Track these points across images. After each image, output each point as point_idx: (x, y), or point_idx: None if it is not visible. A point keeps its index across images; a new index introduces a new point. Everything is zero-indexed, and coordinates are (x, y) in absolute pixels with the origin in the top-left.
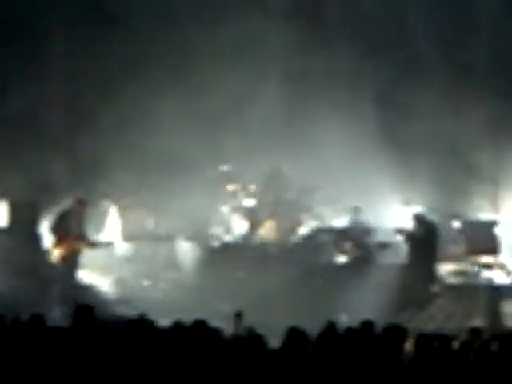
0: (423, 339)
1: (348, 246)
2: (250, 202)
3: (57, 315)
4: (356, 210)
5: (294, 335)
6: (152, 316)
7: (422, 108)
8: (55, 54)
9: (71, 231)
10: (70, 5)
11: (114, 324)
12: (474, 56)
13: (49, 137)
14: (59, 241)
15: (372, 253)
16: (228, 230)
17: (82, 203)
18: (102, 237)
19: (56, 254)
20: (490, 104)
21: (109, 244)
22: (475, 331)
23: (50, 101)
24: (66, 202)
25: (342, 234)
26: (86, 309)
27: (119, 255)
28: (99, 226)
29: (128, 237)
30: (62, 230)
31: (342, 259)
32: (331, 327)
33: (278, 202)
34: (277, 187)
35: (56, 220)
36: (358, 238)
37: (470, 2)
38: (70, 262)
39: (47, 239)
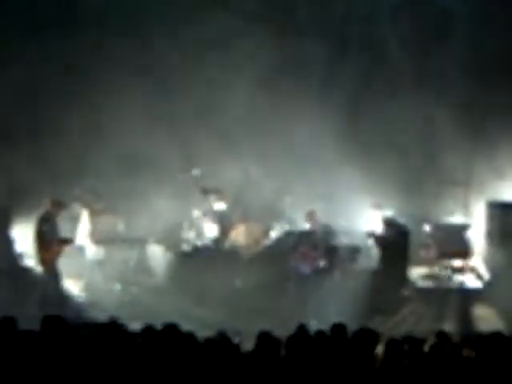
0: (394, 343)
1: (306, 249)
2: (220, 206)
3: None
4: (311, 214)
5: (266, 339)
6: (123, 320)
7: (392, 111)
8: (20, 58)
9: (56, 234)
10: (32, 7)
11: (85, 328)
12: (444, 59)
13: (19, 141)
14: (46, 244)
15: (340, 257)
16: (199, 234)
17: (57, 205)
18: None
19: (43, 258)
20: (460, 107)
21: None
22: (444, 335)
23: (19, 105)
24: (43, 205)
25: (305, 238)
26: (56, 317)
27: (90, 259)
28: (71, 231)
29: (99, 241)
30: (46, 234)
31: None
32: (302, 331)
33: (249, 205)
34: (248, 191)
35: (39, 224)
36: (320, 242)
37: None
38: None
39: (20, 243)
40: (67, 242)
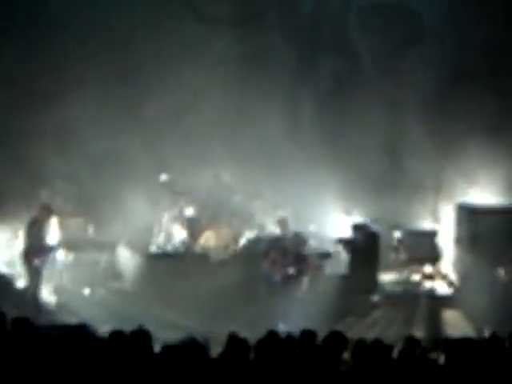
0: (362, 347)
1: (276, 255)
2: (190, 211)
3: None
4: (282, 221)
5: (235, 342)
6: (92, 324)
7: (362, 117)
8: None
9: (43, 239)
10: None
11: (54, 331)
12: (413, 63)
13: None
14: (33, 248)
15: (309, 264)
16: (169, 238)
17: (47, 210)
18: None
19: (28, 261)
20: (429, 111)
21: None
22: (413, 339)
23: None
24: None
25: (275, 245)
26: (23, 320)
27: (59, 262)
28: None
29: (68, 244)
30: (33, 238)
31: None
32: (272, 335)
33: (218, 210)
34: (218, 195)
35: (27, 227)
36: (291, 249)
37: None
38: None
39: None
40: (52, 248)
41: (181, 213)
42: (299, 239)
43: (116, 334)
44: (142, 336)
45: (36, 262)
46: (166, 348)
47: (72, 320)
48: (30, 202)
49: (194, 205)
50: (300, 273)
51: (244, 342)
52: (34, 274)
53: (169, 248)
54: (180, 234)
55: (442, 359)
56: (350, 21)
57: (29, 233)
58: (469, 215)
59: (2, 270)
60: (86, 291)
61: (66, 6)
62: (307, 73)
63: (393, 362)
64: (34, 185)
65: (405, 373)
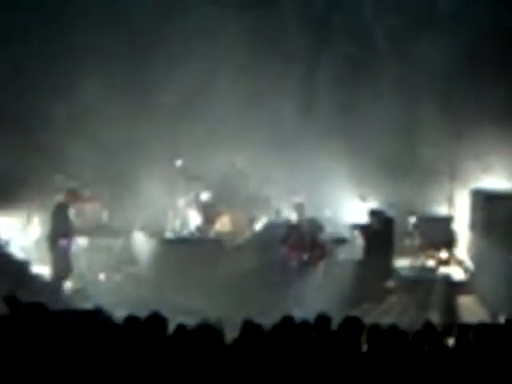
0: (377, 333)
1: (294, 241)
2: (205, 196)
3: None
4: (299, 207)
5: (249, 328)
6: (107, 309)
7: (377, 102)
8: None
9: (68, 224)
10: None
11: (69, 316)
12: (428, 48)
13: (2, 129)
14: (64, 234)
15: (325, 249)
16: (184, 223)
17: (73, 195)
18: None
19: (54, 246)
20: (444, 97)
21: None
22: (429, 324)
23: (3, 93)
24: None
25: (292, 231)
26: (37, 305)
27: (75, 248)
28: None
29: (84, 229)
30: (59, 223)
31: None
32: (286, 321)
33: (234, 195)
34: (232, 180)
35: (53, 213)
36: (307, 235)
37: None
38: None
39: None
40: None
41: (196, 198)
42: (315, 225)
43: (131, 320)
44: (156, 321)
45: (62, 243)
46: (181, 333)
47: (87, 305)
48: (44, 187)
49: (209, 190)
50: (316, 258)
51: (259, 327)
52: (60, 257)
53: (184, 233)
54: (195, 220)
55: (455, 344)
56: (363, 4)
57: (55, 217)
58: (484, 201)
59: (18, 255)
60: (102, 277)
61: None
62: (320, 57)
63: (408, 347)
64: (48, 170)
65: (420, 358)
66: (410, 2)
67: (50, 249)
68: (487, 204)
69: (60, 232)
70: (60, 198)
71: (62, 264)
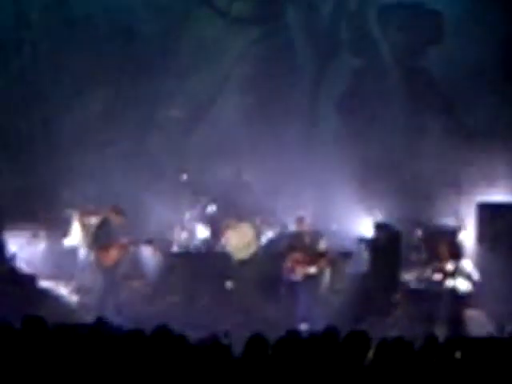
0: (383, 346)
1: (297, 254)
2: (212, 209)
3: None
4: (299, 220)
5: (256, 343)
6: (112, 323)
7: (384, 113)
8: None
9: (110, 239)
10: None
11: (74, 330)
12: (435, 62)
13: (10, 145)
14: (101, 248)
15: (330, 262)
16: (190, 236)
17: (118, 212)
18: (66, 243)
19: (100, 261)
20: (450, 110)
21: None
22: (434, 338)
23: (14, 110)
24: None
25: (294, 243)
26: (36, 320)
27: (81, 261)
28: (64, 233)
29: (90, 242)
30: (100, 239)
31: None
32: (293, 334)
33: (240, 208)
34: (239, 193)
35: (96, 228)
36: (310, 247)
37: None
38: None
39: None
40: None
41: (202, 211)
42: (315, 236)
43: (137, 333)
44: (163, 334)
45: (105, 262)
46: (188, 347)
47: (92, 318)
48: (50, 201)
49: (215, 203)
50: (320, 270)
51: (265, 341)
52: (105, 275)
53: (190, 246)
54: (202, 233)
55: (462, 358)
56: (369, 20)
57: (97, 233)
58: (490, 214)
59: (23, 269)
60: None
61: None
62: (327, 71)
63: (414, 361)
64: (54, 184)
65: (426, 372)
66: (415, 15)
67: (96, 266)
68: (494, 217)
69: (101, 243)
70: (69, 212)
71: (106, 282)
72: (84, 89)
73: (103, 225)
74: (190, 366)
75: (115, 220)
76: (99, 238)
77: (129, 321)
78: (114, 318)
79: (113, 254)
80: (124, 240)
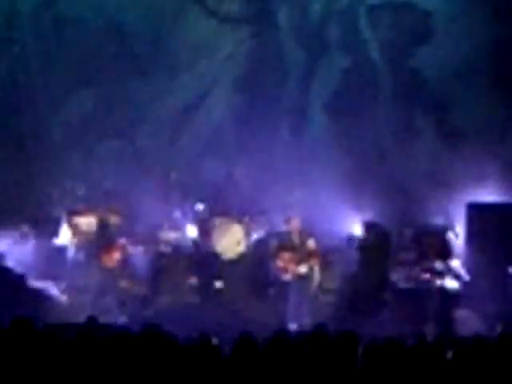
0: (373, 346)
1: (286, 254)
2: (201, 208)
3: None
4: (287, 221)
5: (245, 343)
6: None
7: (372, 113)
8: None
9: (109, 240)
10: None
11: (65, 330)
12: (424, 62)
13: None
14: (101, 250)
15: (320, 261)
16: (179, 235)
17: (115, 212)
18: (56, 243)
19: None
20: (439, 108)
21: None
22: (423, 337)
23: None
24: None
25: (282, 242)
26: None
27: (71, 260)
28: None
29: (80, 242)
30: (100, 240)
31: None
32: (282, 335)
33: (229, 207)
34: (229, 192)
35: (96, 230)
36: (299, 247)
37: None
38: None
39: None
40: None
41: (191, 210)
42: (304, 235)
43: (125, 333)
44: (152, 334)
45: (108, 262)
46: (178, 347)
47: (82, 318)
48: (39, 201)
49: (205, 202)
50: (309, 270)
51: (253, 341)
52: (105, 276)
53: (179, 245)
54: (191, 232)
55: (453, 357)
56: (359, 19)
57: (97, 234)
58: (479, 213)
59: (14, 268)
60: (97, 290)
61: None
62: (316, 70)
63: (404, 360)
64: (42, 184)
65: (416, 371)
66: (405, 15)
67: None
68: (483, 217)
69: (102, 245)
70: (100, 215)
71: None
72: (74, 88)
73: (103, 225)
74: (179, 366)
75: (113, 220)
76: (100, 239)
77: (132, 321)
78: (118, 318)
79: (114, 255)
80: (122, 241)
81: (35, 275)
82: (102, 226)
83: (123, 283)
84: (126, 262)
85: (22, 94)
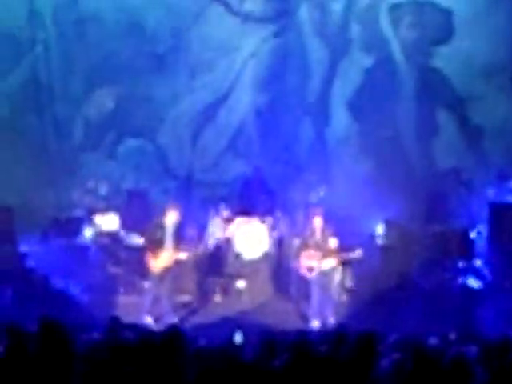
0: (396, 344)
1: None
2: (225, 206)
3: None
4: (311, 217)
5: (268, 346)
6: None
7: (395, 112)
8: None
9: (170, 240)
10: None
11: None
12: (442, 60)
13: (23, 145)
14: (156, 250)
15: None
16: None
17: (174, 212)
18: (77, 241)
19: (152, 263)
20: (459, 107)
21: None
22: (445, 336)
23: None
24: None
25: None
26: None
27: (92, 260)
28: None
29: (102, 241)
30: (157, 240)
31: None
32: (302, 335)
33: (251, 205)
34: (253, 190)
35: (153, 229)
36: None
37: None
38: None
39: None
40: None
41: (215, 208)
42: (326, 233)
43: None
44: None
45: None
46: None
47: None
48: (61, 201)
49: (227, 201)
50: (332, 268)
51: (276, 344)
52: (158, 278)
53: (202, 246)
54: (214, 232)
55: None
56: (380, 17)
57: (152, 234)
58: (502, 213)
59: (36, 268)
60: (121, 289)
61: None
62: (339, 69)
63: (425, 357)
64: (65, 184)
65: (439, 369)
66: (427, 13)
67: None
68: (506, 216)
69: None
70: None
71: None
72: (95, 87)
73: (159, 227)
74: (198, 367)
75: (171, 220)
76: (155, 240)
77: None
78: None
79: (162, 258)
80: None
81: (58, 275)
82: (156, 227)
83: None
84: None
85: (44, 94)
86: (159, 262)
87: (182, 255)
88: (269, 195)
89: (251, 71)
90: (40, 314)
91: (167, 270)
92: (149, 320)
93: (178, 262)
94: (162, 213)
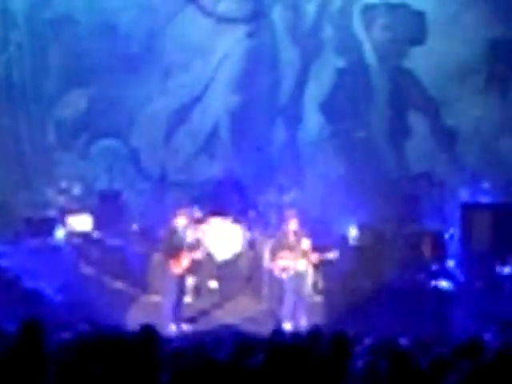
0: (370, 346)
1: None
2: (198, 208)
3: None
4: (284, 219)
5: (242, 343)
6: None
7: (368, 113)
8: None
9: (181, 245)
10: None
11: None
12: (418, 62)
13: None
14: (170, 254)
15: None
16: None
17: (187, 216)
18: (50, 242)
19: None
20: (436, 110)
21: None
22: (420, 340)
23: None
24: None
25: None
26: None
27: (64, 260)
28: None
29: (75, 241)
30: (171, 245)
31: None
32: (277, 334)
33: (224, 206)
34: (226, 191)
35: (168, 234)
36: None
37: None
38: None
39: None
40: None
41: (188, 210)
42: (299, 235)
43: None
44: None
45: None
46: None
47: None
48: (34, 201)
49: (202, 201)
50: (305, 268)
51: (250, 344)
52: (170, 283)
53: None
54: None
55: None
56: (353, 19)
57: (167, 239)
58: (474, 214)
59: (8, 268)
60: (93, 289)
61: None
62: (311, 70)
63: (403, 360)
64: (38, 184)
65: (412, 372)
66: (399, 15)
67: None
68: (478, 217)
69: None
70: (173, 220)
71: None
72: (68, 88)
73: (174, 231)
74: (172, 367)
75: (182, 223)
76: (169, 244)
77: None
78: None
79: (183, 260)
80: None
81: (30, 275)
82: (172, 231)
83: (118, 284)
84: (122, 262)
85: (17, 94)
86: (181, 264)
87: (198, 254)
88: (242, 196)
89: (224, 72)
90: (13, 314)
91: (188, 271)
92: (173, 328)
93: (194, 262)
94: (173, 218)
